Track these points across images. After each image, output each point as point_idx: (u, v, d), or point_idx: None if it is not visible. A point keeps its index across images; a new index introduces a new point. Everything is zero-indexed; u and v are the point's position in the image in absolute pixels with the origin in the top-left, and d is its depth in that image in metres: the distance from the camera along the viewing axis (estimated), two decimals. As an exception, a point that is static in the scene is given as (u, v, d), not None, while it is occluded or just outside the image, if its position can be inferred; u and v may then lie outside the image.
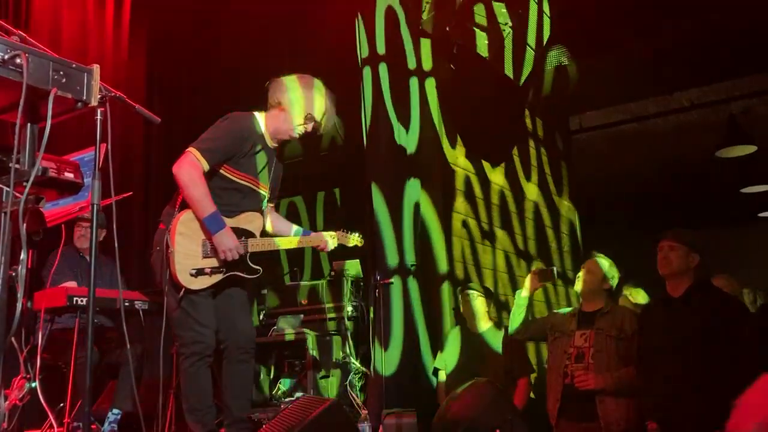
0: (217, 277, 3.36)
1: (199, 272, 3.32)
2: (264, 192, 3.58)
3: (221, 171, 3.40)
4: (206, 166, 3.31)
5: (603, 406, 3.84)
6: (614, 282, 4.24)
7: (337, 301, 5.25)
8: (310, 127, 3.55)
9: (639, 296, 5.61)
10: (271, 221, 3.78)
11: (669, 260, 3.69)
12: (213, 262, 3.35)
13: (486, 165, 6.22)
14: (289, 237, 3.73)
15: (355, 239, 3.94)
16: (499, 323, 4.95)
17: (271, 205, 3.75)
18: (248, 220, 3.48)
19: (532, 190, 6.86)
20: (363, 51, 5.32)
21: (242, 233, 3.43)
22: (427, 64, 5.57)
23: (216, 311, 3.42)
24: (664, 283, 3.77)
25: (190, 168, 3.27)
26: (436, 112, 5.55)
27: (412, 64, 5.48)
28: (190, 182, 3.27)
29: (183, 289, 3.28)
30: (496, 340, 4.74)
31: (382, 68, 5.32)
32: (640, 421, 3.74)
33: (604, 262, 4.21)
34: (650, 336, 3.75)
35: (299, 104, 3.49)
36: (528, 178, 6.87)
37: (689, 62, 6.40)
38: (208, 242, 3.34)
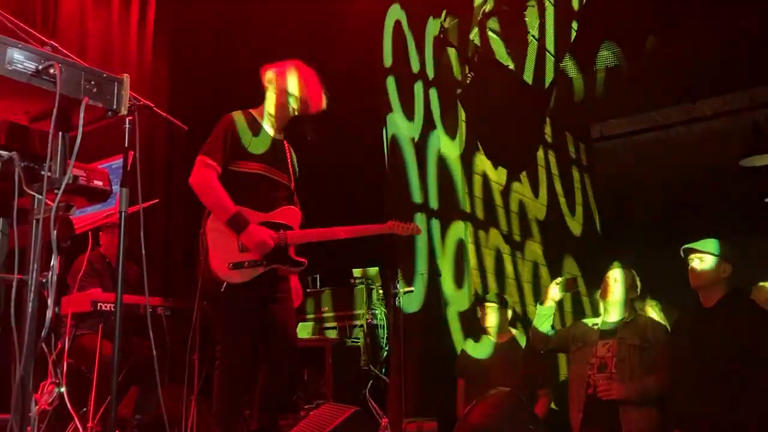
0: (258, 270, 3.32)
1: (238, 265, 3.28)
2: (285, 182, 3.56)
3: (234, 168, 3.41)
4: (219, 167, 3.34)
5: (626, 416, 3.80)
6: (638, 291, 4.21)
7: (357, 308, 5.25)
8: (292, 106, 3.53)
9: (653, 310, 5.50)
10: None
11: (698, 272, 3.65)
12: (252, 255, 3.33)
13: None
14: (332, 228, 3.61)
15: (405, 229, 3.71)
16: (515, 335, 4.92)
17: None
18: (285, 213, 3.48)
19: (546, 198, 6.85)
20: (387, 60, 5.39)
21: (279, 226, 3.42)
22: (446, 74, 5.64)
23: (262, 318, 3.39)
24: (696, 295, 3.73)
25: (203, 176, 3.32)
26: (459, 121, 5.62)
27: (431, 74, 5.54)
28: (205, 189, 3.31)
29: (224, 284, 3.25)
30: (516, 350, 4.72)
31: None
32: (665, 431, 3.70)
33: (628, 272, 4.18)
34: (681, 345, 3.71)
35: (279, 87, 3.52)
36: (548, 186, 6.85)
37: (712, 70, 6.35)
38: None
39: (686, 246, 3.75)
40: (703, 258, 3.65)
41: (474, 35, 5.58)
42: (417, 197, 5.34)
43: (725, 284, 3.63)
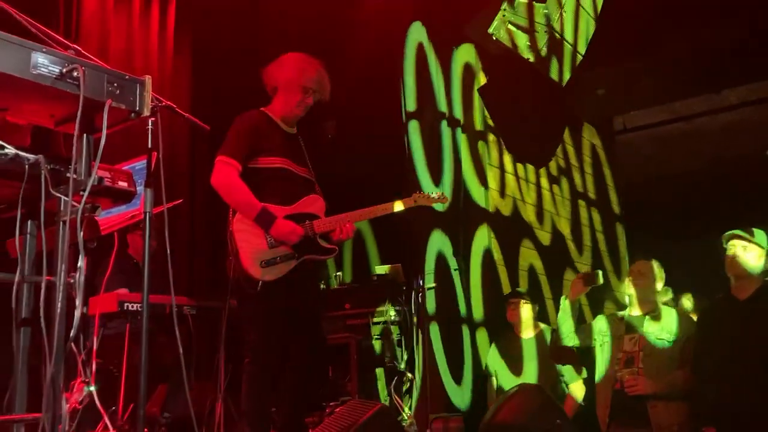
0: (291, 264, 3.32)
1: (270, 262, 3.27)
2: (304, 174, 3.55)
3: (254, 165, 3.39)
4: (239, 165, 3.33)
5: (655, 411, 3.76)
6: (662, 285, 4.16)
7: (381, 304, 5.25)
8: (310, 99, 3.53)
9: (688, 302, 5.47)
10: None
11: (741, 260, 3.57)
12: (283, 250, 3.32)
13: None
14: (357, 210, 3.56)
15: (431, 198, 3.69)
16: (543, 330, 4.88)
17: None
18: (309, 203, 3.47)
19: (568, 190, 6.80)
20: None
21: (305, 217, 3.41)
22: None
23: (292, 315, 3.38)
24: (726, 284, 3.66)
25: (225, 175, 3.30)
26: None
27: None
28: (228, 189, 3.30)
29: (259, 282, 3.23)
30: (544, 345, 4.69)
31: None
32: (694, 426, 3.65)
33: (654, 265, 4.13)
34: (711, 338, 3.65)
35: (293, 81, 3.49)
36: (570, 179, 6.80)
37: (737, 59, 6.26)
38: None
39: (732, 231, 3.64)
40: (747, 246, 3.57)
41: (494, 29, 5.54)
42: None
43: (761, 276, 3.57)
